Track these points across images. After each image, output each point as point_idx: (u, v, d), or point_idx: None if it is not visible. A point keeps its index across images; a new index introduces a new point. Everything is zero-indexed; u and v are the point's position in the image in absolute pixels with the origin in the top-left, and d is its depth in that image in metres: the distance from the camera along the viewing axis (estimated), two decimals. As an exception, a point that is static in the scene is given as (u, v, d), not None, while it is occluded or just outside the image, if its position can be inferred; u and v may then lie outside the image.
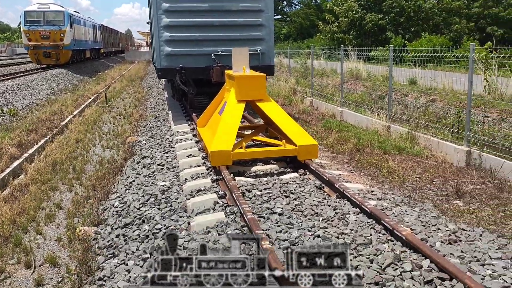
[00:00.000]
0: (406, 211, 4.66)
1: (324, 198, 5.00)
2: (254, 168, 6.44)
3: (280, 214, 4.54)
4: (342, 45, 14.19)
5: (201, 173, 6.24)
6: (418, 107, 13.42)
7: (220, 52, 9.91)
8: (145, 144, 9.52)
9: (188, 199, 5.30)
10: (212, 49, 10.01)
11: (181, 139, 8.56)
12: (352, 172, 6.43)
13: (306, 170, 6.10)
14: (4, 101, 16.08)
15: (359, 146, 8.19)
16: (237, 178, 5.84)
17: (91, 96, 19.81)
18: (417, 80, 14.94)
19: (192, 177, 6.17)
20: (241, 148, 6.14)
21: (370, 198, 5.12)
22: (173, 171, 6.85)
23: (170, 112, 12.20)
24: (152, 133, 10.42)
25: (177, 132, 9.38)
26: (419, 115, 10.86)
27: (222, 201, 5.09)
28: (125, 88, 22.87)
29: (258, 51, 10.25)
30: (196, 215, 4.86)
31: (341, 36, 29.51)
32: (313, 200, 4.90)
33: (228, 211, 4.72)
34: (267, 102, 6.86)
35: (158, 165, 7.35)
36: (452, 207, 5.21)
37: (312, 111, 13.46)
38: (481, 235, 3.99)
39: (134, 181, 6.98)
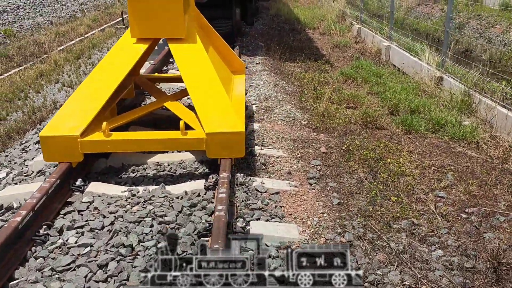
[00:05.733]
0: None
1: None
2: (152, 159, 3.82)
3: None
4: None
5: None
6: (505, 43, 9.58)
7: None
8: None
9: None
10: None
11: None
12: (312, 185, 3.52)
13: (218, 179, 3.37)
14: (13, 17, 14.38)
15: (370, 117, 5.07)
16: (92, 187, 3.28)
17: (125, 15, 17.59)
18: None
19: (39, 171, 3.72)
20: (102, 131, 3.38)
21: None
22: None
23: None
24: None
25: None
26: (501, 57, 7.27)
27: None
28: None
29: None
30: None
31: None
32: None
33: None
34: (187, 43, 3.96)
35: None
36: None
37: (352, 44, 10.05)
38: None
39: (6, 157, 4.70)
